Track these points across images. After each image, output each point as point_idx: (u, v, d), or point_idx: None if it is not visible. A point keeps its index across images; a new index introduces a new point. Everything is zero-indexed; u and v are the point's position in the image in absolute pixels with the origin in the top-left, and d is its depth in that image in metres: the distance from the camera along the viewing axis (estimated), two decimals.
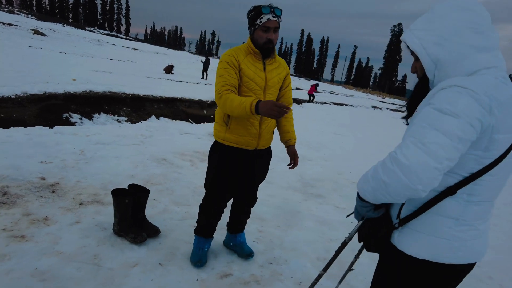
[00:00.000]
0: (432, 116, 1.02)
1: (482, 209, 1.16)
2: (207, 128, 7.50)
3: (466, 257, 1.17)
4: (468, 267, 1.21)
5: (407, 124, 1.32)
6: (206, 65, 20.67)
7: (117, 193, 2.56)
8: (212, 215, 2.48)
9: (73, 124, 7.20)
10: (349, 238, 1.60)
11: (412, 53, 1.25)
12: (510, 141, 1.08)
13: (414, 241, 1.18)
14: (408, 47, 1.25)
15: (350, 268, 1.88)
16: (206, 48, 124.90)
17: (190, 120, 10.47)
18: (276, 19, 2.05)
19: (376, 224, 1.31)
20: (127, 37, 67.88)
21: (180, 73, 20.05)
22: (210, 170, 2.40)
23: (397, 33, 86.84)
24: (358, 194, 1.27)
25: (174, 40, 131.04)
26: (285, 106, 1.78)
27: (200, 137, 6.32)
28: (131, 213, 2.60)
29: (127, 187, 2.74)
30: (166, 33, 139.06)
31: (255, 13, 2.05)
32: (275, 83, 2.25)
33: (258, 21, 2.04)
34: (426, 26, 1.18)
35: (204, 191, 2.48)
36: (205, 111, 11.62)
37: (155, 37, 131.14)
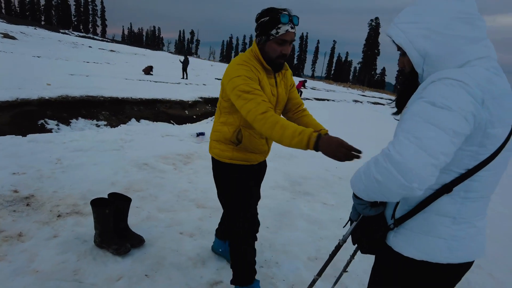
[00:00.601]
0: (426, 110, 0.97)
1: (479, 205, 1.12)
2: (190, 129, 7.35)
3: (465, 256, 1.12)
4: (467, 265, 1.16)
5: (398, 120, 1.27)
6: (185, 64, 20.39)
7: (97, 204, 2.42)
8: (253, 244, 2.13)
9: (50, 131, 6.93)
10: (343, 240, 1.55)
11: (399, 48, 1.20)
12: (505, 136, 1.04)
13: (410, 242, 1.14)
14: (394, 41, 1.19)
15: (344, 270, 1.83)
16: (185, 47, 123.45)
17: (172, 122, 10.28)
18: (294, 30, 1.76)
19: (370, 225, 1.27)
20: (104, 39, 66.25)
21: (160, 74, 19.69)
22: (230, 196, 2.05)
23: (374, 27, 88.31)
24: (354, 195, 1.22)
25: (152, 41, 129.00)
26: (355, 148, 1.44)
27: (183, 139, 6.17)
28: (112, 223, 2.47)
29: (107, 196, 2.60)
30: (144, 33, 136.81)
31: (271, 20, 1.71)
32: (284, 98, 2.04)
33: (273, 31, 1.72)
34: (411, 19, 1.13)
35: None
36: (186, 112, 11.44)
37: (133, 38, 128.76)
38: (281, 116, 2.12)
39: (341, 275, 1.88)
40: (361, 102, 25.81)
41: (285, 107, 2.14)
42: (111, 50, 37.55)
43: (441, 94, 0.97)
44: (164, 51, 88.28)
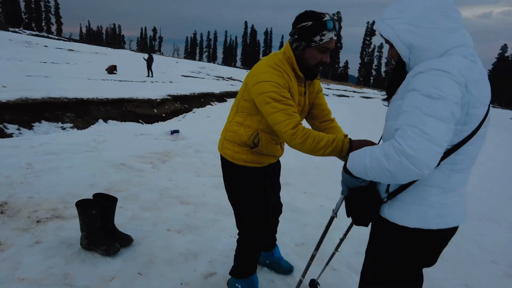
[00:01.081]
0: (424, 103, 1.08)
1: (463, 176, 1.26)
2: (163, 127, 7.25)
3: (452, 221, 1.27)
4: (454, 230, 1.31)
5: (387, 106, 1.39)
6: (149, 62, 19.89)
7: (82, 205, 2.37)
8: (261, 248, 2.10)
9: (10, 135, 6.53)
10: (335, 213, 1.70)
11: (387, 41, 1.32)
12: (483, 114, 1.18)
13: (404, 212, 1.26)
14: (382, 36, 1.31)
15: (336, 249, 1.94)
16: (148, 45, 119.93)
17: (141, 121, 10.04)
18: (336, 37, 1.68)
19: (365, 199, 1.37)
20: (60, 38, 62.68)
21: (124, 73, 19.07)
22: (237, 196, 1.99)
23: (336, 21, 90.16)
24: (347, 172, 1.35)
25: (113, 39, 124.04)
26: None
27: (157, 137, 6.08)
28: (99, 224, 2.43)
29: (91, 197, 2.54)
30: (104, 31, 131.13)
31: (316, 26, 1.60)
32: (308, 108, 1.95)
33: (317, 38, 1.62)
34: (396, 15, 1.25)
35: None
36: (155, 110, 11.20)
37: (92, 36, 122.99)
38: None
39: (333, 254, 1.98)
40: (326, 95, 26.49)
41: (311, 114, 2.03)
42: (70, 50, 35.69)
43: (433, 85, 1.08)
44: (126, 49, 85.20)
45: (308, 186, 4.29)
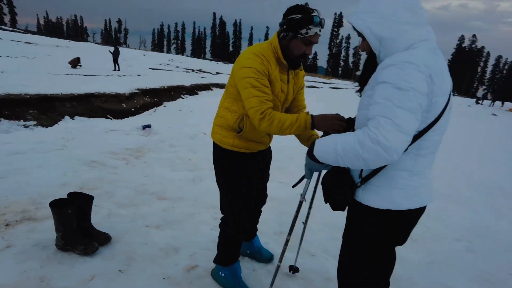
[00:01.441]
0: (395, 95, 1.17)
1: (428, 160, 1.37)
2: (133, 122, 7.09)
3: (420, 202, 1.38)
4: (422, 210, 1.42)
5: (360, 96, 1.47)
6: (115, 55, 19.15)
7: (57, 205, 2.30)
8: (241, 231, 2.16)
9: None
10: (303, 197, 1.84)
11: (359, 34, 1.40)
12: (445, 102, 1.28)
13: (376, 195, 1.36)
14: (355, 28, 1.39)
15: (306, 222, 2.10)
16: (113, 37, 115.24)
17: (110, 116, 9.71)
18: (321, 32, 1.79)
19: (339, 185, 1.45)
20: (15, 29, 58.75)
21: (89, 66, 18.26)
22: (226, 183, 2.08)
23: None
24: (312, 159, 1.44)
25: (74, 31, 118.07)
26: (341, 116, 1.68)
27: (129, 133, 5.94)
28: (76, 223, 2.37)
29: (65, 197, 2.47)
30: (64, 23, 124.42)
31: (302, 19, 1.70)
32: (292, 97, 2.04)
33: (303, 31, 1.72)
34: (368, 9, 1.33)
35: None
36: (124, 105, 10.86)
37: (51, 28, 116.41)
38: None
39: (304, 228, 2.14)
40: None
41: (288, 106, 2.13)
42: (27, 42, 33.55)
43: (402, 78, 1.17)
44: (90, 42, 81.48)
45: (284, 176, 4.38)
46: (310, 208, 2.12)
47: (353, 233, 1.51)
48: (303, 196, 1.83)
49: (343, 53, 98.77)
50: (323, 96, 20.00)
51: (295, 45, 1.77)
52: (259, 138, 2.01)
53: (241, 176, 2.04)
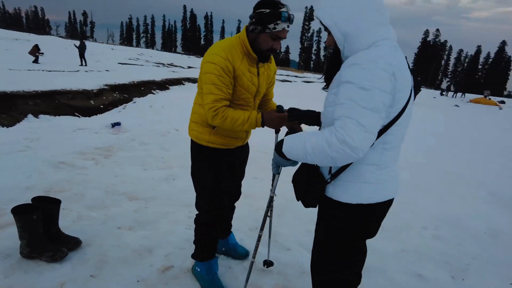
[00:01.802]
0: (359, 96, 1.20)
1: (394, 153, 1.42)
2: (102, 120, 6.84)
3: (388, 194, 1.43)
4: (390, 202, 1.48)
5: (326, 91, 1.49)
6: (82, 50, 18.33)
7: (20, 211, 2.19)
8: (216, 227, 2.19)
9: None
10: (273, 192, 1.88)
11: (326, 29, 1.41)
12: (407, 97, 1.33)
13: (346, 190, 1.39)
14: (321, 23, 1.40)
15: (269, 216, 2.07)
16: (78, 30, 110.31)
17: (77, 114, 9.33)
18: (289, 28, 1.80)
19: (311, 183, 1.48)
20: None
21: (54, 61, 17.40)
22: (202, 179, 2.08)
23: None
24: (281, 155, 1.47)
25: (35, 23, 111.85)
26: (284, 115, 1.80)
27: (98, 131, 5.73)
28: (42, 229, 2.27)
29: (29, 202, 2.35)
30: (23, 14, 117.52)
31: (272, 14, 1.71)
32: (264, 89, 2.05)
33: (271, 26, 1.73)
34: (336, 5, 1.35)
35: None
36: (92, 102, 10.45)
37: (9, 20, 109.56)
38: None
39: (270, 221, 2.18)
40: None
41: None
42: None
43: (365, 78, 1.20)
44: (53, 35, 77.55)
45: (258, 172, 4.39)
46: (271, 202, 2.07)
47: (324, 229, 1.54)
48: (273, 191, 1.86)
49: (315, 46, 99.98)
50: (297, 93, 20.18)
51: (263, 39, 1.79)
52: (235, 134, 2.01)
53: (217, 172, 2.05)
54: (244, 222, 3.08)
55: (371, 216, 1.45)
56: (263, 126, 1.81)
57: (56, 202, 2.39)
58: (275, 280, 2.34)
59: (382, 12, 1.34)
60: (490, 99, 30.43)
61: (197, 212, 2.19)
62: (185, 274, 2.28)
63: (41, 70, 13.57)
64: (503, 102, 32.80)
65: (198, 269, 2.21)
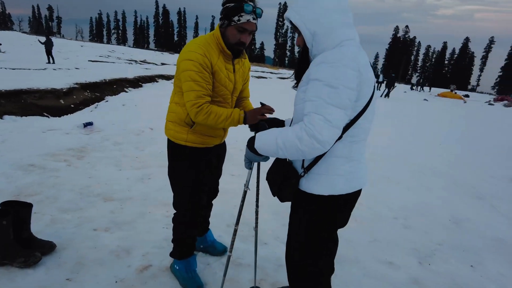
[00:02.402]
0: (326, 93, 1.28)
1: (361, 146, 1.52)
2: (73, 120, 6.63)
3: (357, 185, 1.52)
4: (359, 192, 1.58)
5: (296, 89, 1.56)
6: (48, 46, 17.52)
7: None
8: (195, 226, 2.20)
9: None
10: (246, 186, 1.91)
11: (295, 28, 1.49)
12: (371, 92, 1.43)
13: (318, 183, 1.47)
14: (291, 22, 1.47)
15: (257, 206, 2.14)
16: (44, 26, 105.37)
17: (46, 114, 8.98)
18: (256, 21, 1.80)
19: (285, 178, 1.55)
20: None
21: (18, 58, 16.58)
22: (181, 178, 2.08)
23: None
24: (253, 151, 1.53)
25: None
26: (268, 108, 1.84)
27: (69, 132, 5.56)
28: (13, 235, 2.21)
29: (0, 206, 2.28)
30: None
31: (235, 7, 1.74)
32: (240, 85, 2.07)
33: (236, 18, 1.75)
34: (306, 5, 1.42)
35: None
36: (62, 101, 10.09)
37: None
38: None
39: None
40: None
41: None
42: None
43: (333, 75, 1.28)
44: (15, 30, 73.67)
45: (235, 168, 4.43)
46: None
47: (298, 222, 1.61)
48: (246, 185, 1.91)
49: (289, 43, 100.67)
50: (273, 86, 20.29)
51: (230, 32, 1.81)
52: (213, 132, 2.02)
53: (195, 171, 2.05)
54: (221, 219, 3.12)
55: (343, 206, 1.54)
56: (245, 123, 1.85)
57: (27, 206, 2.33)
58: (253, 274, 2.39)
59: (348, 14, 1.43)
60: (456, 93, 31.89)
61: (175, 211, 2.20)
62: (164, 273, 2.30)
63: (4, 68, 12.93)
64: (467, 96, 34.55)
65: (177, 267, 2.24)
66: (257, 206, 2.13)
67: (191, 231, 2.19)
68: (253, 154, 1.56)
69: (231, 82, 1.95)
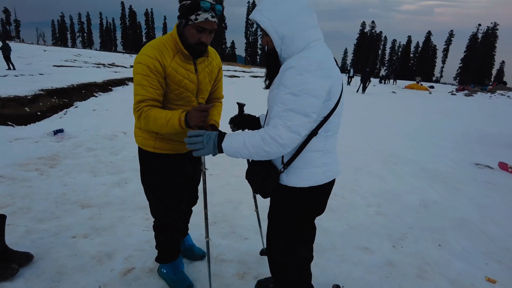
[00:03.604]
0: (289, 100, 1.36)
1: (334, 139, 1.63)
2: (42, 128, 6.42)
3: (333, 175, 1.64)
4: (333, 182, 1.69)
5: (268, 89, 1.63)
6: (5, 52, 16.59)
7: None
8: (175, 231, 2.19)
9: None
10: (204, 167, 1.87)
11: (262, 30, 1.53)
12: (340, 89, 1.53)
13: (299, 176, 1.57)
14: (259, 25, 1.50)
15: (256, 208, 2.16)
16: (1, 30, 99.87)
17: (10, 123, 8.60)
18: (215, 19, 1.70)
19: (266, 175, 1.62)
20: None
21: None
22: (153, 186, 2.03)
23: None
24: (220, 151, 1.52)
25: None
26: (205, 106, 1.66)
27: (38, 140, 5.38)
28: None
29: None
30: None
31: (191, 5, 1.64)
32: (207, 85, 1.96)
33: (193, 17, 1.65)
34: (273, 7, 1.45)
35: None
36: (27, 109, 9.66)
37: None
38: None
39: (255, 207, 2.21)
40: None
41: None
42: None
43: (298, 84, 1.35)
44: None
45: (213, 168, 4.47)
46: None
47: (281, 214, 1.70)
48: (204, 166, 1.87)
49: (260, 41, 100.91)
50: (243, 85, 20.35)
51: (188, 32, 1.72)
52: (180, 137, 1.89)
53: (166, 179, 2.00)
54: (202, 218, 3.13)
55: (320, 195, 1.65)
56: (188, 127, 1.69)
57: (1, 217, 2.27)
58: (236, 268, 2.46)
59: (313, 16, 1.50)
60: (421, 84, 33.29)
61: (153, 219, 2.18)
62: (148, 274, 2.32)
63: None
64: (432, 87, 36.15)
65: (164, 271, 2.24)
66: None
67: (171, 237, 2.18)
68: (212, 150, 1.53)
69: (192, 83, 1.85)
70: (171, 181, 2.01)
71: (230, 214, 3.31)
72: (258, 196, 2.04)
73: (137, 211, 3.21)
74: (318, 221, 3.29)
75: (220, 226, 3.04)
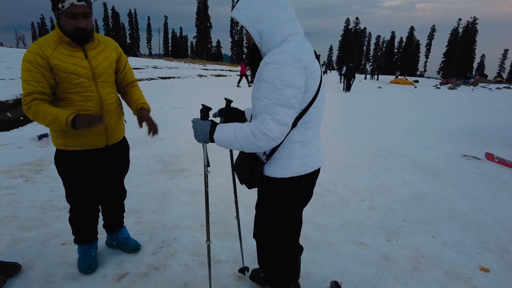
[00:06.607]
0: (274, 94, 1.40)
1: (315, 131, 1.66)
2: (25, 133, 6.22)
3: (314, 166, 1.67)
4: (317, 172, 1.73)
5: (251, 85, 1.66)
6: None
7: None
8: (86, 221, 2.28)
9: None
10: (206, 167, 1.89)
11: (242, 27, 1.57)
12: (318, 82, 1.54)
13: (279, 167, 1.61)
14: (239, 22, 1.54)
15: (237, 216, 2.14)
16: None
17: None
18: (82, 3, 1.74)
19: (250, 166, 1.67)
20: None
21: None
22: (65, 183, 2.15)
23: (202, 0, 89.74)
24: (211, 141, 1.59)
25: None
26: (98, 115, 1.77)
27: (22, 145, 5.22)
28: None
29: None
30: None
31: None
32: (105, 69, 2.00)
33: (60, 6, 1.71)
34: (248, 6, 1.50)
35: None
36: (9, 114, 9.39)
37: None
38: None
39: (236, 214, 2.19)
40: (205, 76, 26.57)
41: (117, 82, 2.19)
42: None
43: (279, 77, 1.39)
44: None
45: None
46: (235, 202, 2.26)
47: (267, 202, 1.75)
48: (206, 168, 1.90)
49: (245, 39, 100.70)
50: (231, 84, 20.26)
51: (63, 21, 1.78)
52: (87, 131, 1.94)
53: (77, 175, 2.07)
54: (195, 219, 3.12)
55: (302, 185, 1.68)
56: (75, 128, 1.76)
57: None
58: (233, 269, 2.42)
59: (288, 11, 1.52)
60: (407, 79, 33.82)
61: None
62: (142, 279, 2.26)
63: None
64: (417, 81, 36.72)
65: (77, 250, 2.35)
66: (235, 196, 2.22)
67: (79, 225, 2.26)
68: (204, 137, 1.60)
69: (85, 68, 1.89)
70: (81, 179, 2.09)
71: (223, 214, 3.27)
72: (239, 203, 2.04)
73: (128, 215, 3.11)
74: (313, 217, 3.29)
75: (214, 226, 3.00)
